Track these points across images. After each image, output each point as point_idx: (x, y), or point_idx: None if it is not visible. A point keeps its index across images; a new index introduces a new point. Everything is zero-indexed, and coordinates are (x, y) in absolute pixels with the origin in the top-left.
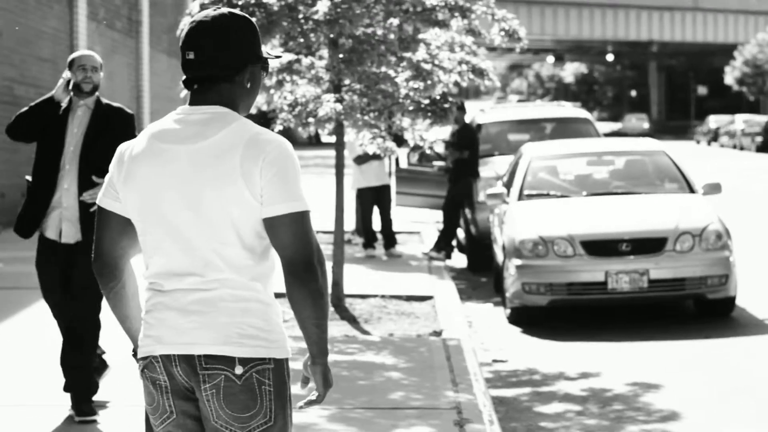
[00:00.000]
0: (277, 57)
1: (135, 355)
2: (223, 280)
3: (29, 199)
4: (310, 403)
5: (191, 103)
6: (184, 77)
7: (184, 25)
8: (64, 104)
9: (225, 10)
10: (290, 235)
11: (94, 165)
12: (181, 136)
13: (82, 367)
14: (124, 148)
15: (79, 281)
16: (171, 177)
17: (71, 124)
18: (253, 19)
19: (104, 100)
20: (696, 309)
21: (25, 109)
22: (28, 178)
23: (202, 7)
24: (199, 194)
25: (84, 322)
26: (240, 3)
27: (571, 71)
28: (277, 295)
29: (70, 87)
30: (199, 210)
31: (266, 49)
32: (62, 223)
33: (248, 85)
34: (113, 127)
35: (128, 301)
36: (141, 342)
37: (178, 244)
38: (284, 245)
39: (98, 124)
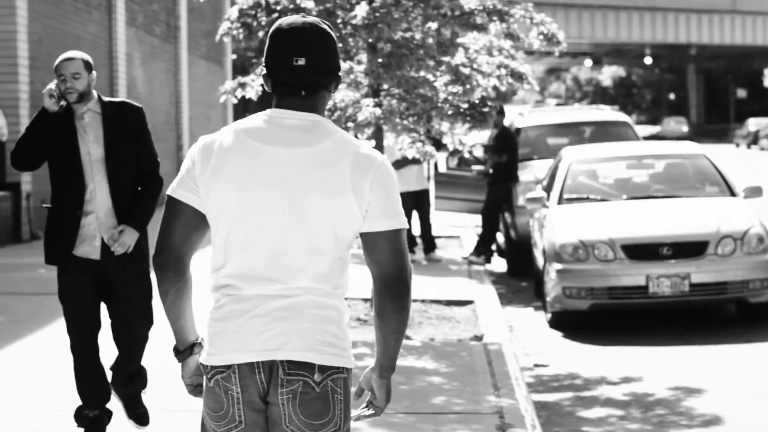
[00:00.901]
0: None
1: (178, 353)
2: (309, 288)
3: (53, 226)
4: (369, 416)
5: (282, 107)
6: (274, 81)
7: (275, 30)
8: (60, 111)
9: (314, 18)
10: (390, 250)
11: (121, 169)
12: (279, 138)
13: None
14: (210, 140)
15: (127, 291)
16: (271, 178)
17: (83, 134)
18: None
19: (105, 98)
20: (738, 313)
21: (23, 133)
22: (46, 205)
23: (241, 12)
24: (304, 200)
25: (135, 330)
26: (279, 8)
27: (609, 74)
28: None
29: (54, 97)
30: (301, 216)
31: None
32: (98, 240)
33: (334, 93)
34: (131, 125)
35: (187, 298)
36: (213, 349)
37: (268, 247)
38: (382, 260)
39: (115, 126)
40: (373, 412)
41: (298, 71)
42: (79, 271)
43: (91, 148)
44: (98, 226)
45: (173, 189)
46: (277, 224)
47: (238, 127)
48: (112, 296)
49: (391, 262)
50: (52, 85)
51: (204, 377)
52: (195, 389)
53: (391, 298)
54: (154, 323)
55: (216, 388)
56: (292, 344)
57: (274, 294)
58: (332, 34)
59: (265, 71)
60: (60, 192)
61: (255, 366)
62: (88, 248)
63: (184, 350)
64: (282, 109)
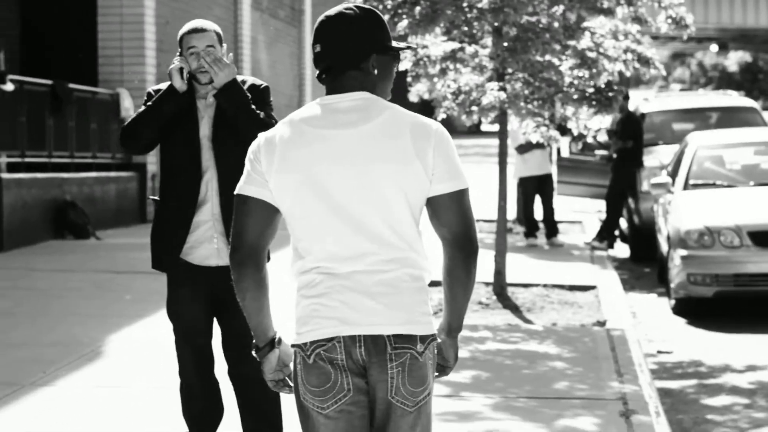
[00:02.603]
0: (409, 48)
1: (258, 350)
2: (401, 258)
3: (161, 223)
4: (437, 377)
5: (332, 92)
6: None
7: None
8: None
9: (353, 5)
10: (457, 211)
11: (228, 155)
12: (339, 122)
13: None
14: (271, 135)
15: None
16: (339, 160)
17: (203, 114)
18: (417, 9)
19: (240, 77)
20: None
21: (142, 110)
22: (153, 197)
23: None
24: (375, 173)
25: (248, 337)
26: None
27: (734, 60)
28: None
29: (185, 76)
30: (376, 189)
31: (399, 42)
32: (217, 240)
33: (375, 72)
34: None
35: (266, 293)
36: (312, 325)
37: (351, 226)
38: (451, 221)
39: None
40: (441, 372)
41: (316, 57)
42: (195, 282)
43: (208, 131)
44: (213, 223)
45: (241, 187)
46: (354, 202)
47: (295, 118)
48: (223, 307)
49: (460, 222)
50: (178, 60)
51: (299, 358)
52: (278, 384)
53: (463, 257)
54: None
55: (319, 362)
56: (396, 318)
57: (370, 269)
58: (361, 17)
59: None
60: (171, 181)
61: (357, 339)
62: (204, 252)
63: (264, 346)
64: (331, 94)
